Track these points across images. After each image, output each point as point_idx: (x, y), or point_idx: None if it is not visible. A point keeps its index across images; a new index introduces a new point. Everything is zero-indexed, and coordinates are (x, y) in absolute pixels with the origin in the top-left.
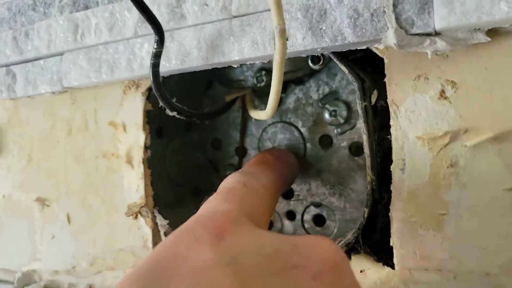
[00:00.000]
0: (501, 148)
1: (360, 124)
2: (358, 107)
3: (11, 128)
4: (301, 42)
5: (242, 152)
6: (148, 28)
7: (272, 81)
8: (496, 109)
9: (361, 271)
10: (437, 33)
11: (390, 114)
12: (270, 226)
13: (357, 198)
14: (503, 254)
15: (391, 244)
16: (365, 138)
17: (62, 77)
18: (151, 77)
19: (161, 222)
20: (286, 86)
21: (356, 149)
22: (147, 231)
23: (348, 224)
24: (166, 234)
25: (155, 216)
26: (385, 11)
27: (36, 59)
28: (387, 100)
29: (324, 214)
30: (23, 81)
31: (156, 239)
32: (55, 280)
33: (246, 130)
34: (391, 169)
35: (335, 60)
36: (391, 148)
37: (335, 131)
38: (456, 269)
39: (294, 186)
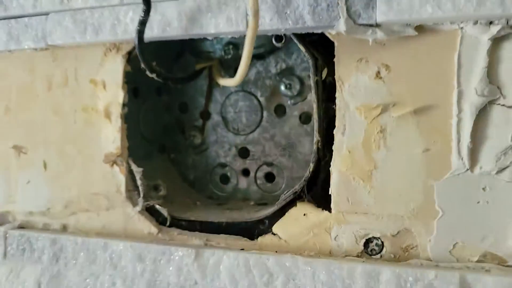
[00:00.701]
0: (419, 120)
1: (311, 96)
2: (311, 80)
3: None
4: (269, 23)
5: (206, 115)
6: None
7: (243, 54)
8: (417, 89)
9: (304, 214)
10: (377, 25)
11: (336, 88)
12: (227, 181)
13: (304, 159)
14: (413, 202)
15: (330, 193)
16: (315, 106)
17: (47, 35)
18: (136, 42)
19: (136, 169)
20: None
21: (305, 118)
22: (121, 178)
23: (295, 181)
24: (141, 180)
25: (129, 165)
26: (338, 3)
27: (20, 17)
28: (335, 77)
29: (275, 172)
30: (5, 36)
31: (129, 186)
32: (30, 221)
33: (211, 96)
34: (334, 133)
35: (294, 40)
36: (334, 116)
37: (289, 101)
38: (378, 212)
39: (250, 147)
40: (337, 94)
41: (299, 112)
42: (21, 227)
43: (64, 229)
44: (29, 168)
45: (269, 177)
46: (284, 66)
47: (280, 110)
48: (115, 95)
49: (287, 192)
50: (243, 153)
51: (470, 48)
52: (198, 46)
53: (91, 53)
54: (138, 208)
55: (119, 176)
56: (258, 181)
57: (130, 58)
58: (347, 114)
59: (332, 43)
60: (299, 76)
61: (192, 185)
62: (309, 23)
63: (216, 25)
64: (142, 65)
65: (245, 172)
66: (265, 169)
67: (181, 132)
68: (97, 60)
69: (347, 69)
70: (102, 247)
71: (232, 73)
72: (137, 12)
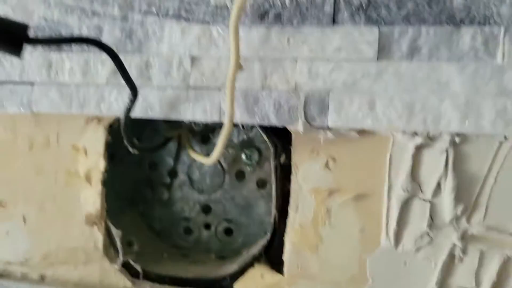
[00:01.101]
0: (357, 204)
1: (271, 172)
2: (272, 165)
3: None
4: (240, 117)
5: (174, 174)
6: (118, 80)
7: (218, 143)
8: (357, 179)
9: (261, 275)
10: (328, 128)
11: (292, 172)
12: (190, 233)
13: (259, 219)
14: (350, 270)
15: (283, 258)
16: (273, 186)
17: (33, 103)
18: (122, 126)
19: (115, 231)
20: (214, 131)
21: (262, 183)
22: (99, 236)
23: (250, 238)
24: (120, 241)
25: (106, 225)
26: (297, 108)
27: (5, 83)
28: (291, 162)
29: (233, 227)
30: None
31: (105, 242)
32: (7, 269)
33: (179, 158)
34: (288, 209)
35: (259, 130)
36: (289, 193)
37: (248, 168)
38: (322, 278)
39: (212, 205)
40: (292, 177)
41: (257, 178)
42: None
43: (42, 279)
44: (8, 220)
45: (228, 232)
46: (245, 137)
47: (240, 175)
48: (96, 162)
49: (247, 253)
50: (206, 209)
51: (398, 152)
52: None
53: (73, 120)
54: (117, 266)
55: (97, 234)
56: (218, 235)
57: (111, 129)
58: (300, 195)
59: (289, 132)
60: (258, 147)
61: (158, 235)
62: (273, 121)
63: (193, 114)
64: (125, 142)
65: (207, 226)
66: (225, 224)
67: (150, 188)
68: (79, 127)
69: (301, 157)
70: None
71: (199, 139)
72: (121, 92)
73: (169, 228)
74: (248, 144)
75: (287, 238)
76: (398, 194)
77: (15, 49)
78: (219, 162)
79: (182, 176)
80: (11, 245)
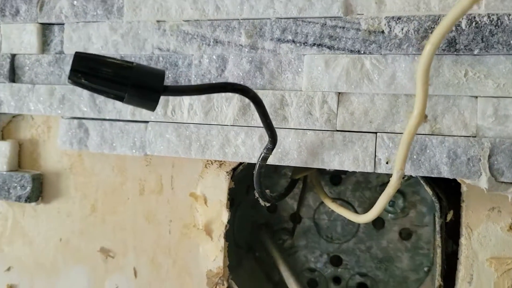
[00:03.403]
0: None
1: (435, 236)
2: (437, 224)
3: (73, 175)
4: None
5: (297, 219)
6: (247, 122)
7: (380, 199)
8: None
9: None
10: None
11: (463, 235)
12: (315, 286)
13: (401, 275)
14: None
15: None
16: (438, 251)
17: (146, 145)
18: (256, 176)
19: None
20: (347, 172)
21: (406, 234)
22: None
23: None
24: None
25: (228, 285)
26: (480, 159)
27: (115, 120)
28: (462, 222)
29: (368, 283)
30: (98, 139)
31: None
32: None
33: (303, 201)
34: (459, 279)
35: (422, 182)
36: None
37: (389, 216)
38: None
39: (343, 256)
40: (463, 240)
41: (399, 227)
42: None
43: None
44: (117, 273)
45: (362, 287)
46: (386, 179)
47: (378, 223)
48: (218, 212)
49: None
50: (336, 260)
51: None
52: None
53: (190, 163)
54: None
55: None
56: None
57: (234, 174)
58: (475, 264)
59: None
60: (402, 191)
61: (276, 286)
62: (445, 174)
63: (341, 163)
64: (257, 194)
65: (336, 280)
66: (358, 279)
67: (270, 233)
68: (197, 171)
69: (476, 217)
70: None
71: (327, 180)
72: (250, 135)
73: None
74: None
75: None
76: None
77: (151, 103)
78: (352, 206)
79: (306, 222)
80: None
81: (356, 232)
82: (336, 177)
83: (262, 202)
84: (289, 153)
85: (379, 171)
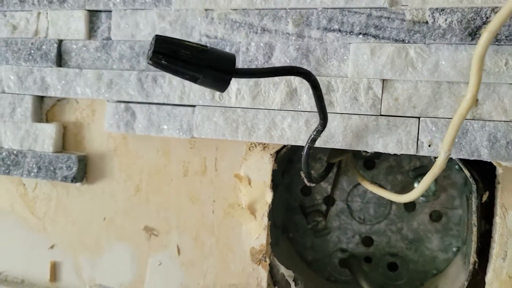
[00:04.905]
0: None
1: (467, 214)
2: (473, 204)
3: (117, 157)
4: (441, 150)
5: (331, 201)
6: (293, 106)
7: (423, 181)
8: None
9: None
10: None
11: (497, 214)
12: (352, 266)
13: (430, 255)
14: None
15: None
16: (474, 229)
17: (193, 128)
18: (305, 157)
19: (287, 273)
20: (381, 156)
21: (436, 216)
22: (263, 273)
23: (417, 275)
24: (295, 281)
25: (271, 261)
26: None
27: (162, 104)
28: (496, 202)
29: (398, 262)
30: (145, 122)
31: (268, 281)
32: None
33: (337, 184)
34: (493, 256)
35: (460, 165)
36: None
37: (420, 199)
38: None
39: (375, 237)
40: (498, 220)
41: (430, 210)
42: None
43: None
44: (161, 250)
45: (392, 267)
46: (418, 163)
47: (409, 206)
48: (262, 193)
49: None
50: (367, 241)
51: None
52: None
53: (234, 146)
54: None
55: (261, 271)
56: (380, 270)
57: (277, 157)
58: (510, 241)
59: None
60: None
61: (309, 265)
62: (484, 157)
63: (385, 146)
64: (303, 175)
65: (367, 259)
66: (389, 258)
67: (304, 215)
68: (241, 153)
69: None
70: None
71: (360, 165)
72: (296, 119)
73: (323, 259)
74: (421, 171)
75: None
76: None
77: (223, 84)
78: (385, 189)
79: (340, 204)
80: (164, 277)
81: (388, 214)
82: (370, 162)
83: (307, 183)
84: (335, 136)
85: (421, 153)
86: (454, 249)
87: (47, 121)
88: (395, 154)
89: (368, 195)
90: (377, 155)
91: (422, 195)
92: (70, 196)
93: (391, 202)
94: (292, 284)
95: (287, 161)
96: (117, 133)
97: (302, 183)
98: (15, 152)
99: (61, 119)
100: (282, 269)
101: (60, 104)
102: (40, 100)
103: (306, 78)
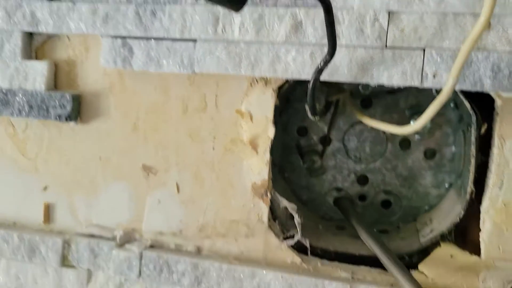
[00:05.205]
0: None
1: (472, 148)
2: (472, 136)
3: (113, 95)
4: (445, 81)
5: (327, 141)
6: (298, 39)
7: (428, 109)
8: None
9: (450, 256)
10: None
11: (495, 145)
12: (341, 207)
13: (424, 192)
14: None
15: (481, 238)
16: (472, 161)
17: (194, 62)
18: (311, 89)
19: (290, 205)
20: (378, 96)
21: (430, 154)
22: (264, 209)
23: (410, 211)
24: (299, 217)
25: (272, 196)
26: None
27: (162, 39)
28: (494, 133)
29: (392, 200)
30: (143, 57)
31: (269, 216)
32: (159, 240)
33: (334, 123)
34: (489, 185)
35: (461, 97)
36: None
37: (415, 137)
38: None
39: (369, 176)
40: (495, 151)
41: (425, 147)
42: (151, 246)
43: (198, 251)
44: (159, 188)
45: (386, 204)
46: (414, 102)
47: (405, 144)
48: (264, 128)
49: (430, 232)
50: (362, 179)
51: None
52: None
53: (235, 81)
54: (284, 241)
55: (262, 206)
56: (374, 207)
57: (279, 92)
58: (506, 170)
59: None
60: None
61: (304, 204)
62: (487, 87)
63: (390, 77)
64: (307, 108)
65: (362, 198)
66: (383, 196)
67: (300, 155)
68: (242, 89)
69: (509, 128)
70: (249, 276)
71: (357, 104)
72: (301, 52)
73: (318, 198)
74: (417, 110)
75: (486, 217)
76: None
77: (239, 2)
78: None
79: (336, 144)
80: (163, 215)
81: (384, 153)
82: (367, 101)
83: (310, 116)
84: (340, 69)
85: (425, 85)
86: (447, 185)
87: (37, 58)
88: (392, 92)
89: (364, 134)
90: (375, 93)
91: (417, 133)
92: (63, 136)
93: (387, 141)
94: (296, 215)
95: (285, 101)
96: (114, 69)
97: (299, 123)
98: (4, 91)
99: (52, 57)
100: (285, 202)
101: (51, 41)
102: (29, 36)
103: (321, 2)
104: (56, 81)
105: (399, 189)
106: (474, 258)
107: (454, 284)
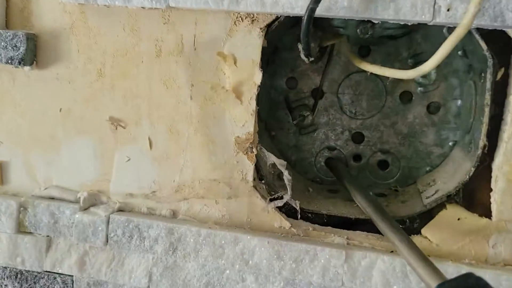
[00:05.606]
0: None
1: (487, 96)
2: (488, 81)
3: (74, 36)
4: (461, 16)
5: (319, 94)
6: None
7: (443, 45)
8: None
9: (458, 219)
10: None
11: (510, 92)
12: (333, 165)
13: (425, 151)
14: None
15: (491, 199)
16: (486, 111)
17: None
18: (305, 21)
19: (279, 161)
20: (377, 43)
21: (433, 108)
22: (249, 166)
23: (409, 172)
24: (288, 175)
25: (257, 152)
26: None
27: None
28: (510, 80)
29: (389, 160)
30: None
31: (254, 175)
32: (129, 203)
33: (328, 73)
34: (504, 139)
35: (477, 37)
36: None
37: (418, 89)
38: None
39: (366, 133)
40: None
41: (428, 101)
42: (120, 210)
43: (173, 215)
44: (129, 144)
45: (383, 165)
46: (418, 50)
47: (405, 97)
48: (249, 73)
49: (435, 193)
50: (357, 138)
51: None
52: (323, 19)
53: (216, 19)
54: (280, 203)
55: (246, 164)
56: (369, 168)
57: (268, 32)
58: None
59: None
60: None
61: (293, 166)
62: (509, 22)
63: (397, 11)
64: (301, 49)
65: (357, 158)
66: (380, 156)
67: (289, 110)
68: (224, 29)
69: None
70: (231, 241)
71: (356, 50)
72: None
73: (308, 158)
74: (421, 58)
75: (500, 174)
76: None
77: None
78: (381, 79)
79: (330, 97)
80: (134, 175)
81: (382, 107)
82: (365, 49)
83: (303, 57)
84: (339, 3)
85: (438, 20)
86: (451, 143)
87: None
88: (393, 37)
89: (361, 86)
90: (374, 40)
91: (421, 85)
92: (17, 83)
93: (386, 94)
94: (285, 172)
95: (272, 50)
96: (75, 4)
97: (288, 74)
98: None
99: None
100: (273, 158)
101: None
102: None
103: None
104: (7, 18)
105: (398, 148)
106: (484, 220)
107: (460, 250)
